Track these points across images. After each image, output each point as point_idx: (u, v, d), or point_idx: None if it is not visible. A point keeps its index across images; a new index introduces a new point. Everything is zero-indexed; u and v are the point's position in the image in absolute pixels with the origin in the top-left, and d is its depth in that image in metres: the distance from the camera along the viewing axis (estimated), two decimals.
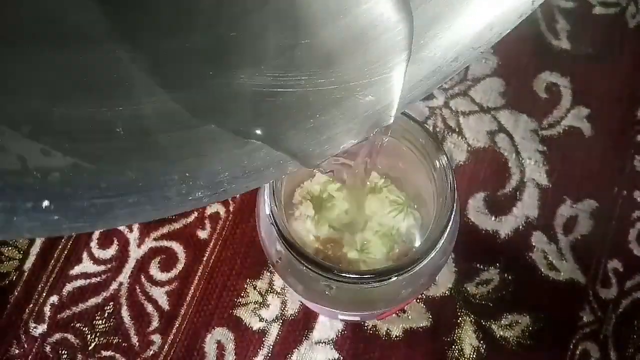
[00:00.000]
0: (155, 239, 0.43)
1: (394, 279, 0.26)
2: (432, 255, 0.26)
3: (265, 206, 0.27)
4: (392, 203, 0.31)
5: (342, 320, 0.39)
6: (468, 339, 0.41)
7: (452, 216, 0.26)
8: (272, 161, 0.22)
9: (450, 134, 0.45)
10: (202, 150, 0.22)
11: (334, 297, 0.29)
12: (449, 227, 0.26)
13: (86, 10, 0.18)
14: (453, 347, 0.41)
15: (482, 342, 0.41)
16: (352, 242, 0.31)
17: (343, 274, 0.25)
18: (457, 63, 0.22)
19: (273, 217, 0.27)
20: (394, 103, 0.22)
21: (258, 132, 0.22)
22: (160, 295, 0.42)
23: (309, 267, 0.26)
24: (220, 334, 0.41)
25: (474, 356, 0.40)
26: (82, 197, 0.20)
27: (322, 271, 0.26)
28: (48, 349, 0.41)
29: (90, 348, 0.41)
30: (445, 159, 0.27)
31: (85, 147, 0.20)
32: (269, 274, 0.42)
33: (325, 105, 0.22)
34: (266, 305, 0.41)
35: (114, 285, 0.42)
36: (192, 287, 0.42)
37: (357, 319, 0.37)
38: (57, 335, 0.41)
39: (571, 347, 0.40)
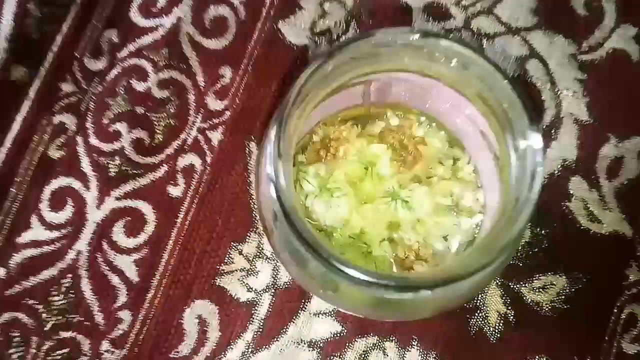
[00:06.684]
0: (117, 199, 0.38)
1: (422, 293, 0.19)
2: (485, 272, 0.19)
3: (268, 176, 0.21)
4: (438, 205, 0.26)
5: None
6: (494, 304, 0.37)
7: (524, 228, 0.19)
8: None
9: None
10: None
11: (335, 294, 0.22)
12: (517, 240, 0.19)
13: None
14: (476, 314, 0.37)
15: (510, 308, 0.37)
16: (377, 241, 0.25)
17: (356, 273, 0.19)
18: None
19: (280, 200, 0.20)
20: None
21: None
22: (127, 264, 0.37)
23: (314, 255, 0.19)
24: (202, 308, 0.37)
25: (501, 324, 0.37)
26: None
27: (331, 265, 0.19)
28: None
29: (46, 329, 0.36)
30: (539, 140, 0.20)
31: None
32: (256, 236, 0.37)
33: None
34: (255, 273, 0.37)
35: (71, 255, 0.37)
36: (166, 254, 0.37)
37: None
38: (6, 315, 0.36)
39: (615, 310, 0.38)
